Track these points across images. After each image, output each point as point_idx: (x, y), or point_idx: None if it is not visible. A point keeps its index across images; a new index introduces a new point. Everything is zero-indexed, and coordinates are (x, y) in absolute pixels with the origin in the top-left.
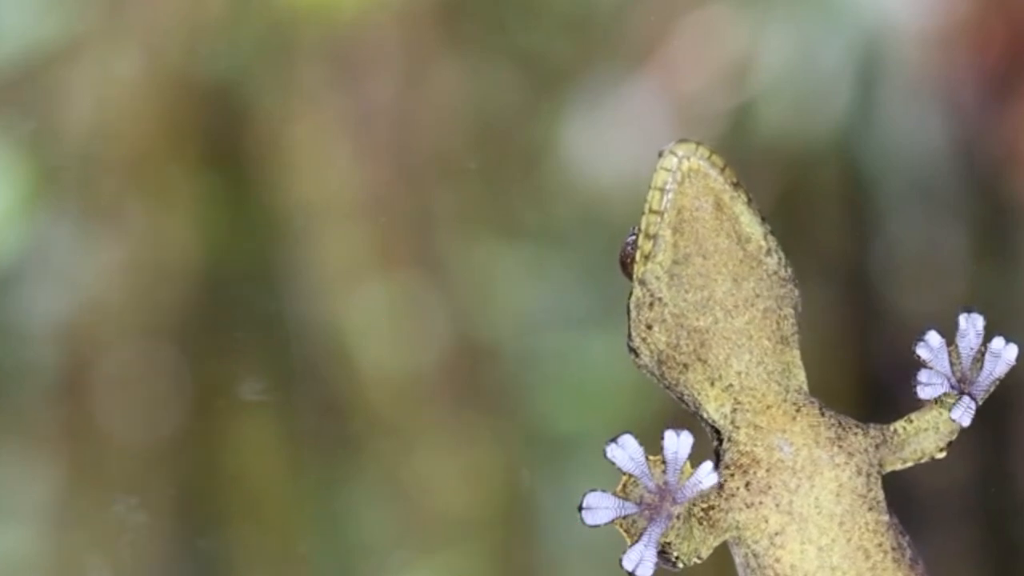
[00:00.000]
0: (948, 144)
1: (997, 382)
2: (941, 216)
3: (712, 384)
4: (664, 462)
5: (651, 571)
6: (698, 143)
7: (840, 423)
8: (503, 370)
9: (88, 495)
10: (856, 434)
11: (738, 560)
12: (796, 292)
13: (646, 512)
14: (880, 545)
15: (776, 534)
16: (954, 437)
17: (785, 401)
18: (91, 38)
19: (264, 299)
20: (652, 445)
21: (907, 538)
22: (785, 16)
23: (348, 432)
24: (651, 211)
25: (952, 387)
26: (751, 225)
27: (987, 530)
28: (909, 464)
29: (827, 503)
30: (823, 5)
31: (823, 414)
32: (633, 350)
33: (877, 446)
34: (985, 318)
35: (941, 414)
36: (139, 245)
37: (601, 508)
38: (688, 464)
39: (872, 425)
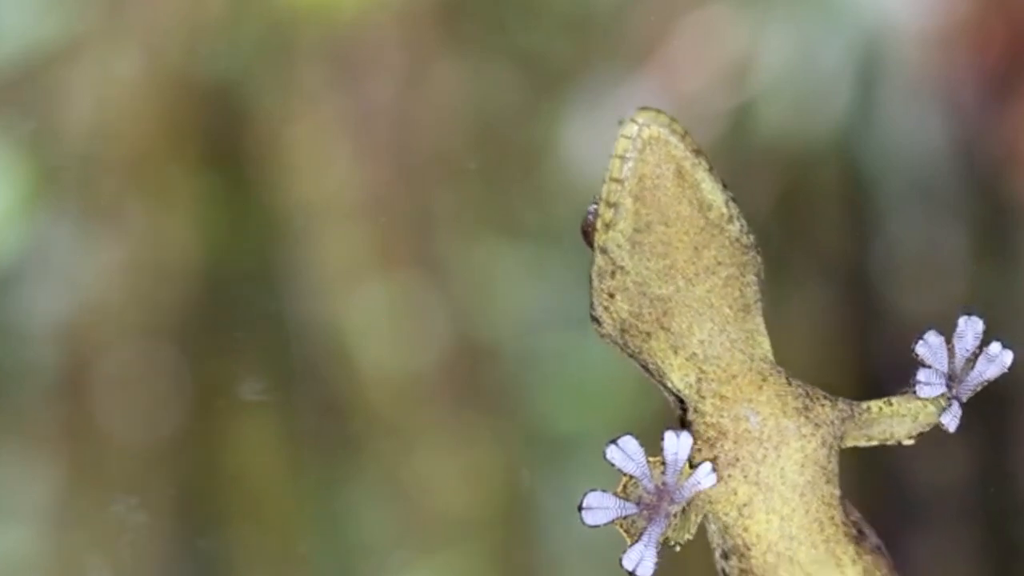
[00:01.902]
0: (948, 144)
1: (986, 383)
2: (941, 216)
3: (676, 353)
4: (663, 463)
5: (651, 571)
6: (658, 111)
7: (807, 393)
8: (503, 370)
9: (88, 495)
10: (824, 405)
11: (710, 530)
12: (759, 259)
13: (645, 513)
14: (833, 519)
15: (744, 505)
16: (928, 431)
17: (751, 370)
18: (91, 38)
19: (264, 299)
20: (652, 445)
21: (871, 529)
22: (785, 16)
23: (348, 432)
24: (612, 179)
25: (947, 387)
26: (712, 192)
27: (987, 530)
28: (873, 443)
29: (791, 473)
30: (823, 5)
31: (790, 383)
32: (596, 319)
33: (843, 419)
34: (985, 321)
35: (925, 406)
36: (139, 245)
37: (601, 508)
38: (687, 465)
39: (842, 399)
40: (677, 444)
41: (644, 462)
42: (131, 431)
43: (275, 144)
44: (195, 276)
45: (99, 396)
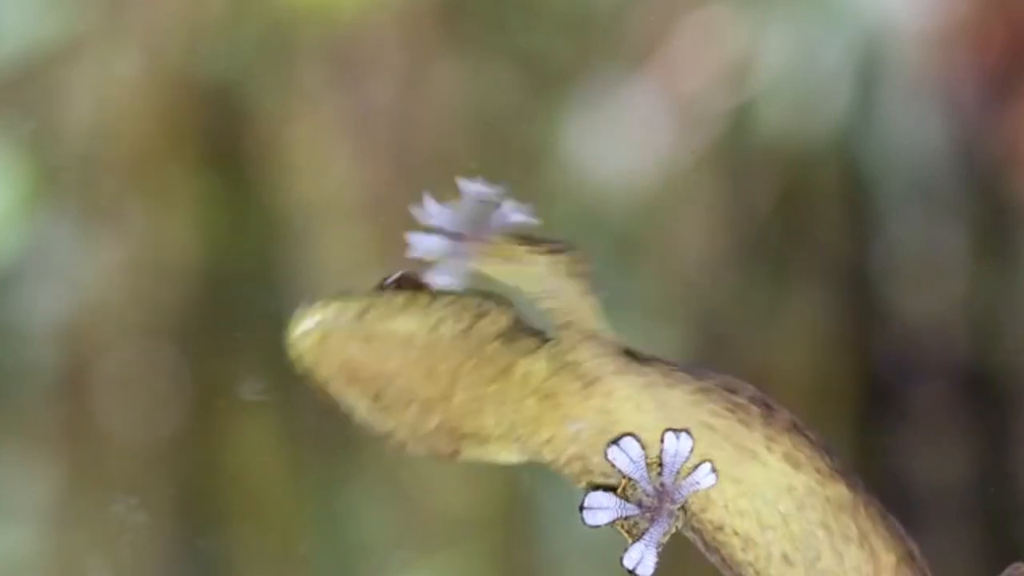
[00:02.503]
0: (948, 144)
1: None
2: (941, 216)
3: (489, 442)
4: (661, 464)
5: (651, 570)
6: (309, 308)
7: (574, 370)
8: None
9: (88, 495)
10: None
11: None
12: (492, 315)
13: (647, 514)
14: (715, 412)
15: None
16: None
17: (543, 402)
18: (91, 38)
19: (264, 299)
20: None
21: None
22: (785, 16)
23: (348, 432)
24: (320, 386)
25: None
26: (406, 322)
27: (987, 530)
28: None
29: (641, 419)
30: (823, 5)
31: (560, 374)
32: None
33: (596, 355)
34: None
35: None
36: (139, 245)
37: (602, 508)
38: (686, 466)
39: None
40: (677, 445)
41: (644, 464)
42: (131, 431)
43: (275, 144)
44: (195, 276)
45: (99, 396)
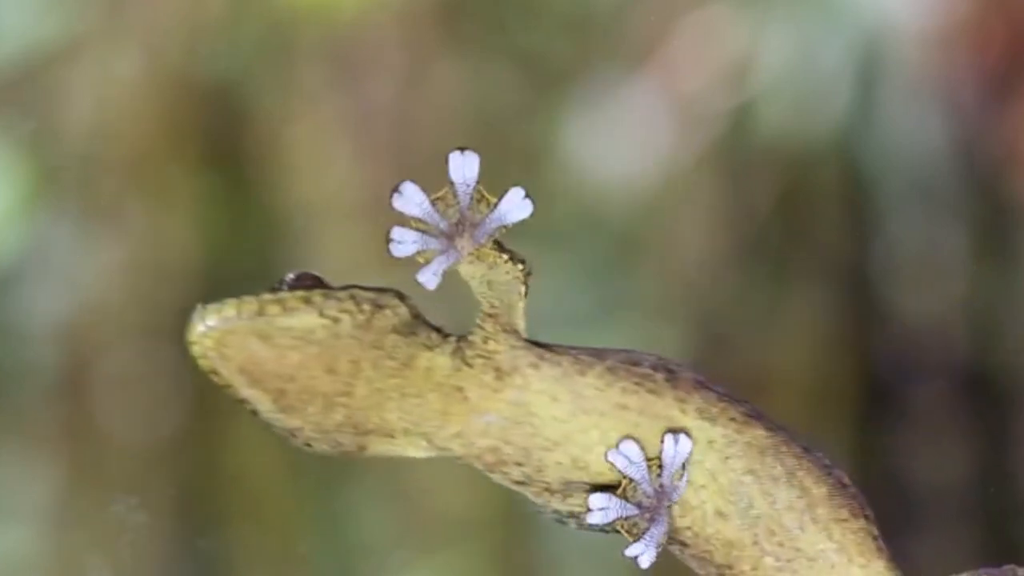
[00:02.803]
0: (948, 144)
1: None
2: (941, 216)
3: (394, 437)
4: (660, 465)
5: (649, 564)
6: (203, 308)
7: (487, 362)
8: None
9: (88, 495)
10: (496, 340)
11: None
12: (389, 312)
13: (646, 515)
14: (619, 388)
15: (560, 465)
16: None
17: (448, 396)
18: (91, 38)
19: None
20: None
21: (681, 366)
22: (785, 16)
23: None
24: (223, 387)
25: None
26: (302, 319)
27: (987, 530)
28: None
29: (557, 411)
30: (823, 5)
31: (471, 366)
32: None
33: (513, 347)
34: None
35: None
36: (139, 245)
37: (603, 508)
38: (683, 466)
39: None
40: (675, 447)
41: (644, 465)
42: (131, 431)
43: (275, 144)
44: (195, 276)
45: (99, 396)
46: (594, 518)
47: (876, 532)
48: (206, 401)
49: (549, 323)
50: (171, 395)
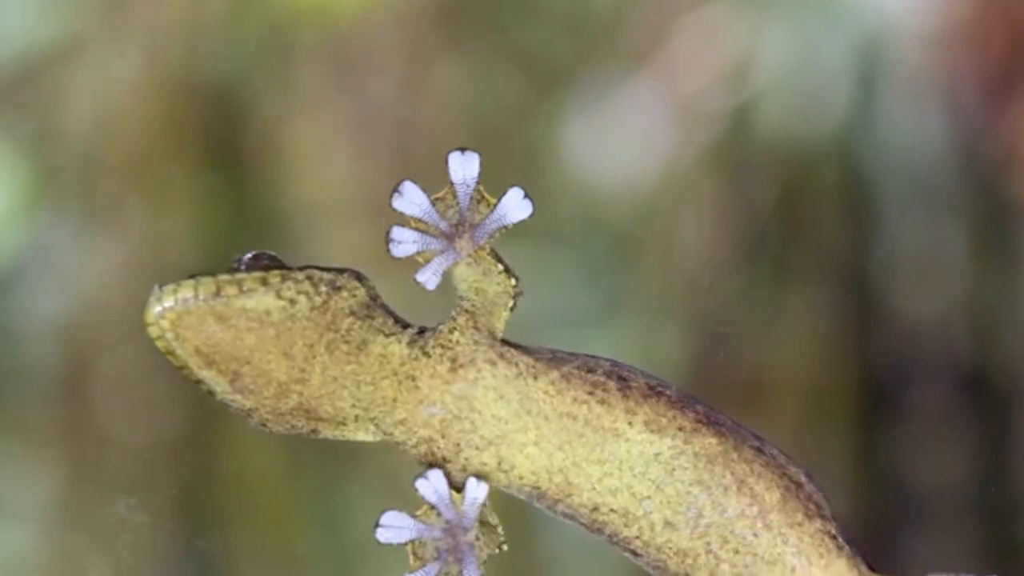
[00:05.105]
0: (948, 144)
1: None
2: (941, 216)
3: (346, 424)
4: (442, 505)
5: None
6: (160, 289)
7: (446, 351)
8: None
9: (88, 495)
10: (453, 346)
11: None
12: (344, 293)
13: (449, 558)
14: (576, 399)
15: (500, 466)
16: None
17: (399, 383)
18: (91, 38)
19: None
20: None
21: (638, 373)
22: (785, 16)
23: None
24: (179, 368)
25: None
26: (260, 300)
27: (987, 530)
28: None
29: (500, 410)
30: (823, 5)
31: (428, 355)
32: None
33: (476, 343)
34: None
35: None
36: (139, 245)
37: (396, 527)
38: (453, 493)
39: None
40: (476, 491)
41: (448, 497)
42: (131, 431)
43: (275, 144)
44: None
45: (99, 396)
46: (384, 535)
47: (835, 531)
48: (206, 401)
49: (549, 323)
50: (171, 395)
